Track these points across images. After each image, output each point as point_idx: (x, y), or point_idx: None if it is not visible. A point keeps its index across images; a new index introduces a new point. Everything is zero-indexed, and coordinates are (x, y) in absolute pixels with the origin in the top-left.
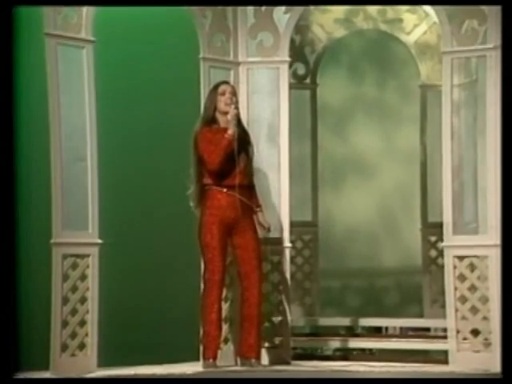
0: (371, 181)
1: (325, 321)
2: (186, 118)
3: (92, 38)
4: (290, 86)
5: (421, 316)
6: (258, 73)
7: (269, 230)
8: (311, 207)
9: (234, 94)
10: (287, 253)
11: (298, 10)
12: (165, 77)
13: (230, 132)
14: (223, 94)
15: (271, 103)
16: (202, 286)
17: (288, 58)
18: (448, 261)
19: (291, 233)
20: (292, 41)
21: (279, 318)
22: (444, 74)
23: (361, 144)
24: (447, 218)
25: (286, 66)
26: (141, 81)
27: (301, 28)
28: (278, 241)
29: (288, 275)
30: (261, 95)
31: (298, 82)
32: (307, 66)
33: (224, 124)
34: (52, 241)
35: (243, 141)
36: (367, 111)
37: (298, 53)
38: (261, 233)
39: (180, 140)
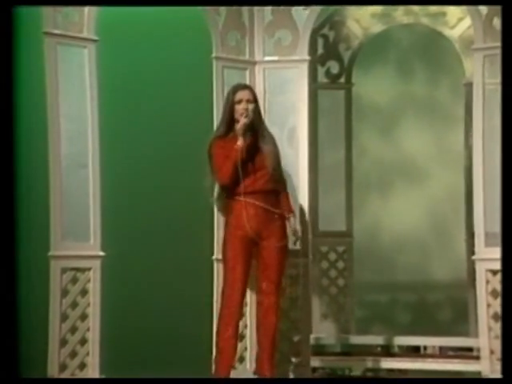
0: (420, 187)
1: (359, 339)
2: (195, 123)
3: (94, 38)
4: (322, 86)
5: (467, 334)
6: (275, 73)
7: (297, 238)
8: (345, 216)
9: (253, 100)
10: (308, 265)
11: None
12: (173, 78)
13: (238, 143)
14: (239, 102)
15: (289, 105)
16: (220, 300)
17: (307, 57)
18: (480, 275)
19: (323, 244)
20: (325, 37)
21: (299, 336)
22: (475, 71)
23: (406, 146)
24: (479, 229)
25: (305, 66)
26: (148, 82)
27: (335, 24)
28: (297, 253)
29: (309, 289)
30: (278, 96)
31: (331, 82)
32: (341, 64)
33: None
34: (50, 253)
35: (257, 147)
36: (412, 111)
37: (331, 50)
38: (291, 241)
39: (188, 146)
